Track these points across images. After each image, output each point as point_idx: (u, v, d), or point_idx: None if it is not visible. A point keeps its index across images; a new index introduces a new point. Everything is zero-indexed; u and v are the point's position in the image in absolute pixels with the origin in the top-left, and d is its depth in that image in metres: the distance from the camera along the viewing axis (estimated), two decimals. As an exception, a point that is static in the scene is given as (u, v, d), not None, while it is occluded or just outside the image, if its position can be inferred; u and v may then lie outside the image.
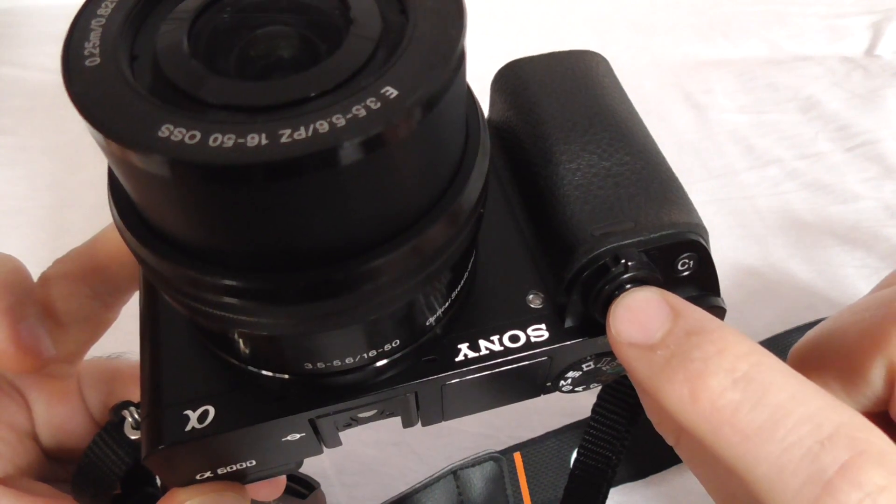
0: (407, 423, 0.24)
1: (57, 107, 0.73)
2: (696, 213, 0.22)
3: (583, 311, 0.22)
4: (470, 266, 0.21)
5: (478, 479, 0.41)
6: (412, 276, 0.17)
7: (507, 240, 0.24)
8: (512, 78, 0.25)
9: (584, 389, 0.25)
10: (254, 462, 0.22)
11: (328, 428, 0.22)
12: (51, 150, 0.63)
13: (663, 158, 0.23)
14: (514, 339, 0.22)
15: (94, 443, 0.25)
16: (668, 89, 0.69)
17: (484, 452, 0.42)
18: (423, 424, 0.25)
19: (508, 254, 0.23)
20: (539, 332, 0.22)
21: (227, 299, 0.16)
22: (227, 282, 0.16)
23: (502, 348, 0.22)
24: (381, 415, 0.23)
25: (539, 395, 0.24)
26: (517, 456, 0.44)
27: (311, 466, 0.43)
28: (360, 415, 0.22)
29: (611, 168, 0.22)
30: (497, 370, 0.22)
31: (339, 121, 0.13)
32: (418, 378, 0.21)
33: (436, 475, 0.41)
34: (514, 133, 0.24)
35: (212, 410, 0.21)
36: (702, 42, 0.74)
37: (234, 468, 0.22)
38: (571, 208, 0.21)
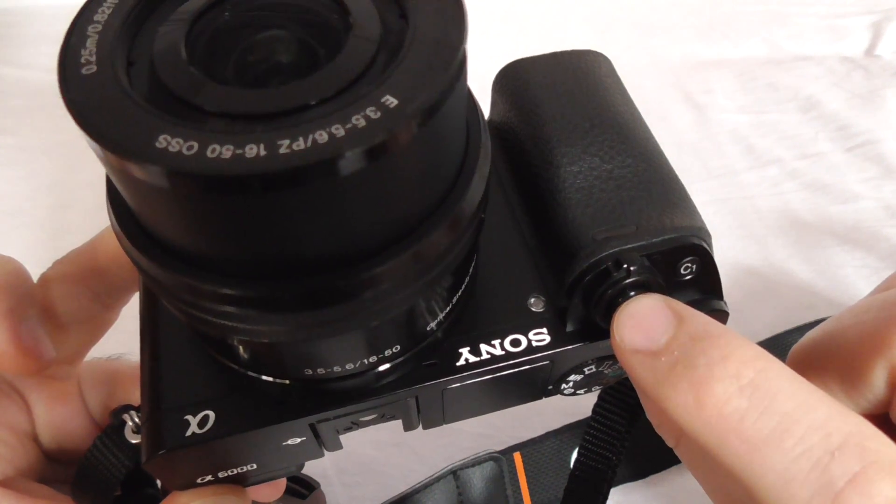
0: (408, 427, 0.24)
1: (57, 107, 0.72)
2: (699, 217, 0.22)
3: (584, 315, 0.22)
4: (471, 270, 0.21)
5: (478, 479, 0.41)
6: (413, 282, 0.17)
7: (508, 243, 0.23)
8: (513, 78, 0.25)
9: (585, 392, 0.25)
10: (254, 466, 0.22)
11: (329, 432, 0.22)
12: (51, 150, 0.63)
13: (666, 160, 0.23)
14: (516, 343, 0.22)
15: (94, 446, 0.25)
16: (668, 89, 0.69)
17: (484, 452, 0.42)
18: (424, 427, 0.25)
19: (510, 257, 0.23)
20: (540, 336, 0.22)
21: (227, 307, 0.16)
22: (227, 290, 0.16)
23: (504, 352, 0.21)
24: (382, 418, 0.23)
25: (540, 398, 0.24)
26: (517, 456, 0.44)
27: (311, 466, 0.43)
28: (362, 419, 0.22)
29: (612, 170, 0.22)
30: (498, 374, 0.22)
31: (339, 131, 0.13)
32: (419, 383, 0.21)
33: (436, 475, 0.41)
34: (515, 134, 0.24)
35: (212, 415, 0.20)
36: (702, 42, 0.74)
37: (235, 472, 0.22)
38: (573, 212, 0.21)
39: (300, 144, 0.13)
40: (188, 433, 0.20)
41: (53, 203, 0.60)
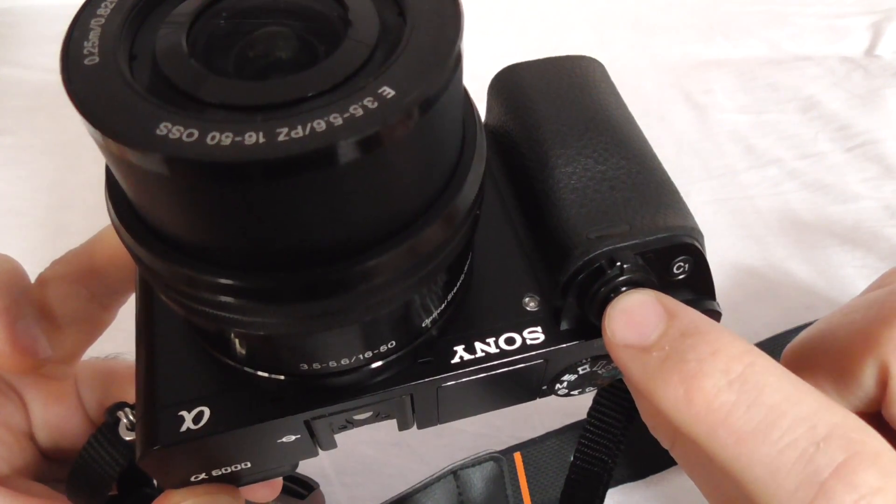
0: (402, 426, 0.24)
1: (57, 107, 0.73)
2: (692, 217, 0.22)
3: (578, 314, 0.22)
4: (466, 268, 0.21)
5: (478, 480, 0.41)
6: (408, 277, 0.17)
7: (503, 243, 0.23)
8: (509, 82, 0.25)
9: (579, 393, 0.25)
10: (248, 464, 0.22)
11: (324, 430, 0.22)
12: (51, 150, 0.63)
13: (659, 162, 0.23)
14: (510, 341, 0.22)
15: (88, 444, 0.25)
16: (668, 89, 0.69)
17: (484, 452, 0.42)
18: (419, 427, 0.25)
19: (505, 257, 0.23)
20: (535, 335, 0.22)
21: (224, 298, 0.16)
22: (224, 280, 0.16)
23: (498, 350, 0.22)
24: (377, 417, 0.23)
25: (535, 398, 0.24)
26: (517, 456, 0.44)
27: (310, 466, 0.43)
28: (356, 417, 0.22)
29: (606, 172, 0.22)
30: (493, 372, 0.22)
31: (337, 120, 0.13)
32: (414, 380, 0.21)
33: (436, 475, 0.41)
34: (510, 137, 0.24)
35: (207, 411, 0.20)
36: (702, 42, 0.74)
37: (229, 470, 0.22)
38: (567, 212, 0.21)
39: (298, 132, 0.13)
40: (183, 429, 0.20)
41: (53, 203, 0.60)
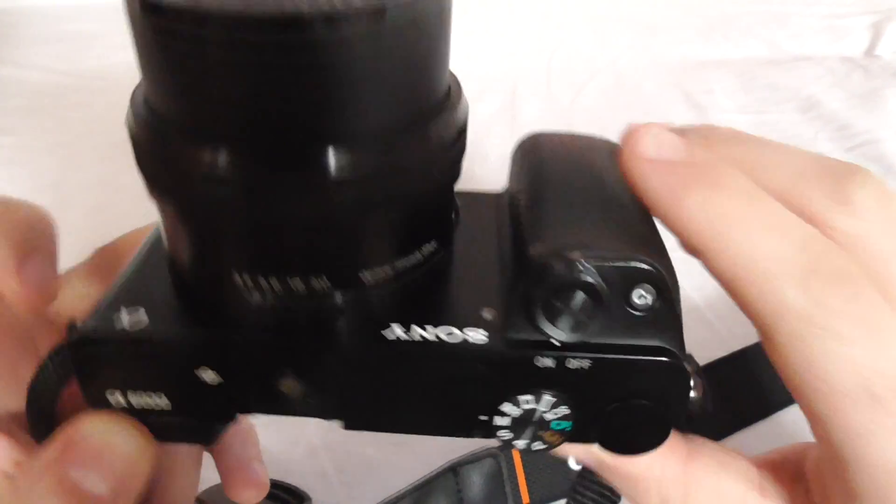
0: (323, 411, 0.22)
1: (57, 107, 0.73)
2: (672, 267, 0.21)
3: (526, 324, 0.21)
4: (428, 251, 0.22)
5: (477, 476, 0.41)
6: (374, 182, 0.18)
7: (484, 265, 0.24)
8: (531, 147, 0.27)
9: (526, 445, 0.22)
10: (163, 398, 0.22)
11: (242, 383, 0.21)
12: (51, 150, 0.63)
13: (655, 227, 0.23)
14: (450, 335, 0.21)
15: (42, 364, 0.24)
16: (668, 89, 0.69)
17: (483, 449, 0.42)
18: (346, 425, 0.22)
19: (481, 276, 0.24)
20: (478, 336, 0.21)
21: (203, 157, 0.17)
22: (219, 152, 0.17)
23: (436, 339, 0.21)
24: (305, 401, 0.21)
25: (472, 432, 0.23)
26: (516, 453, 0.44)
27: (311, 465, 0.43)
28: (281, 385, 0.21)
29: (597, 219, 0.22)
30: (426, 362, 0.21)
31: None
32: (339, 332, 0.21)
33: (435, 472, 0.41)
34: (521, 188, 0.25)
35: (145, 318, 0.21)
36: (702, 42, 0.74)
37: (144, 399, 0.22)
38: (543, 231, 0.22)
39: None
40: (117, 327, 0.21)
41: (53, 203, 0.60)
